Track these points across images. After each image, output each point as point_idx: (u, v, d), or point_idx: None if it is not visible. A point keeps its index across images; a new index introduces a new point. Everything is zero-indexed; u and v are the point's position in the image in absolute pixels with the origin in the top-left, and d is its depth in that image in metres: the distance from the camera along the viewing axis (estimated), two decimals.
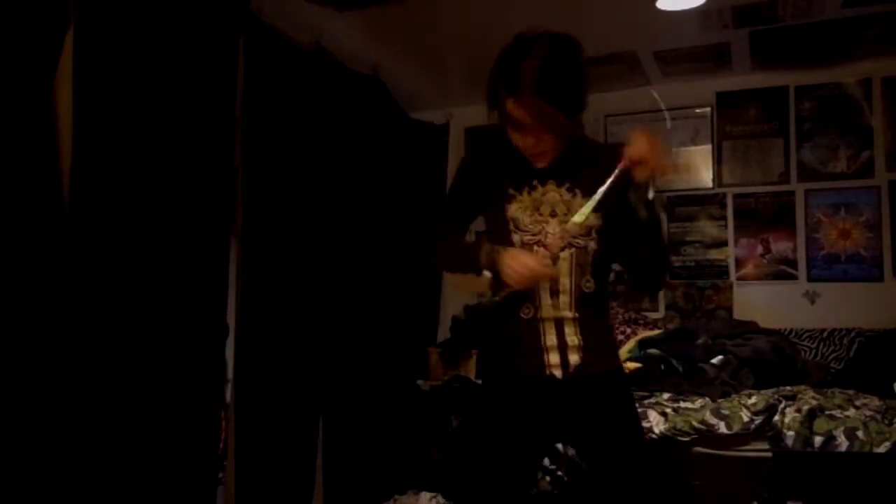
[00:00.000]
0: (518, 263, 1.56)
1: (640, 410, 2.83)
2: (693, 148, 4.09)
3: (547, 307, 1.65)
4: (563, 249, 1.62)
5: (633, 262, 1.75)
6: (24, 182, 1.62)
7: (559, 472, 2.83)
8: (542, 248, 1.63)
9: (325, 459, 2.81)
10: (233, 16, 2.28)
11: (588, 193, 1.59)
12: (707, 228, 4.06)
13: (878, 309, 3.62)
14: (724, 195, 4.03)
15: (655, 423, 2.75)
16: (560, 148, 1.63)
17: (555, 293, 1.65)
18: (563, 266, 1.63)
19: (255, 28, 2.40)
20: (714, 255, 4.04)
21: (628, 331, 3.82)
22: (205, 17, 2.15)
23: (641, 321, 3.93)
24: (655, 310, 4.11)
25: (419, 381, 3.65)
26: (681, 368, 3.19)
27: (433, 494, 3.06)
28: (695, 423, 2.70)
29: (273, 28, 2.52)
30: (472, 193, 1.76)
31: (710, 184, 4.06)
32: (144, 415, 1.92)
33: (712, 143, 4.05)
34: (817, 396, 2.79)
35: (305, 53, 2.73)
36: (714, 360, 3.20)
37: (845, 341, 3.57)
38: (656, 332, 3.71)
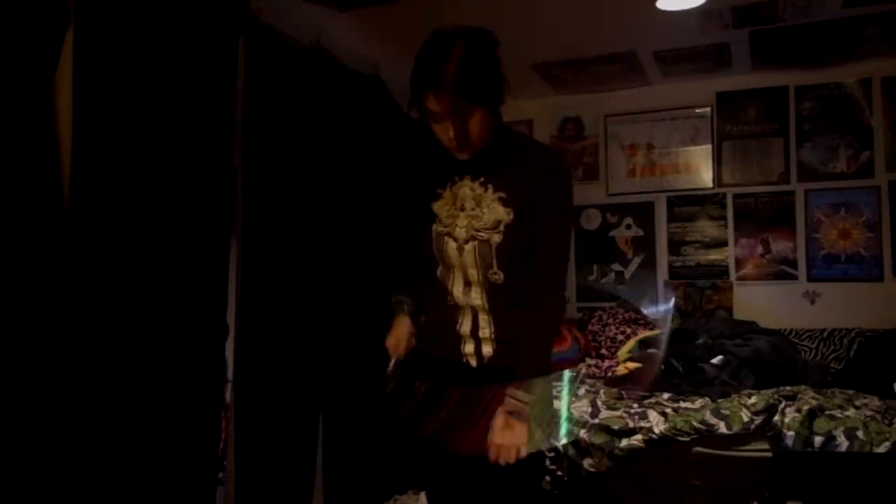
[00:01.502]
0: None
1: (640, 410, 2.83)
2: (693, 148, 4.09)
3: (459, 296, 1.70)
4: (467, 242, 1.66)
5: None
6: (24, 182, 1.62)
7: (559, 472, 2.83)
8: (450, 240, 1.69)
9: (325, 459, 2.81)
10: (233, 16, 2.28)
11: (499, 189, 1.64)
12: (707, 228, 4.06)
13: (878, 309, 3.63)
14: (724, 195, 4.03)
15: (655, 423, 2.75)
16: (482, 142, 1.65)
17: (467, 283, 1.69)
18: (468, 258, 1.66)
19: (255, 28, 2.40)
20: (714, 255, 4.04)
21: (628, 331, 3.82)
22: (205, 17, 2.15)
23: (641, 321, 3.94)
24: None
25: (418, 382, 3.64)
26: (681, 368, 3.19)
27: None
28: (695, 423, 2.70)
29: (273, 28, 2.52)
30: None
31: (710, 184, 4.06)
32: (144, 415, 1.91)
33: (712, 143, 4.05)
34: (817, 396, 2.80)
35: (305, 53, 2.73)
36: (714, 360, 3.20)
37: (845, 341, 3.57)
38: (656, 332, 3.71)
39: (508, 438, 1.57)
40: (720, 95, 4.04)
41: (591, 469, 2.82)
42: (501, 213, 1.63)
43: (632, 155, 4.23)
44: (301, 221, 2.67)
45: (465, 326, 1.70)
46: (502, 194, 1.64)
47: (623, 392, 3.08)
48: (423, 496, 3.05)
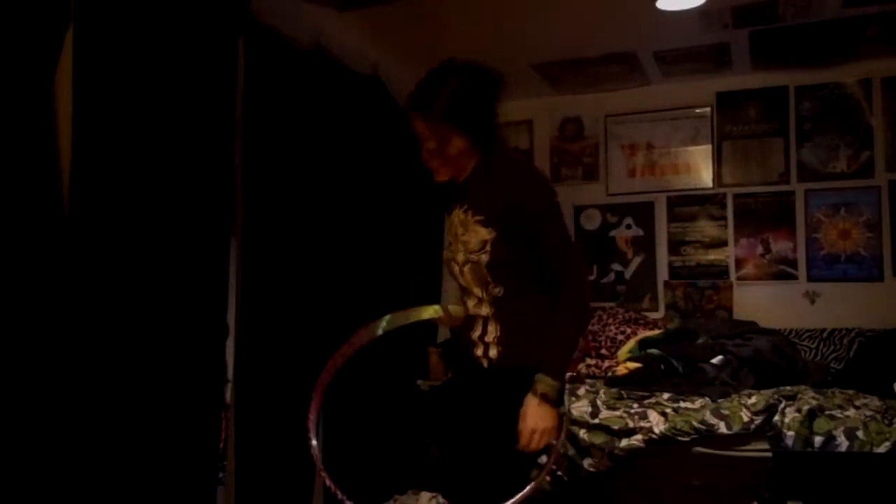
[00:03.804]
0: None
1: (640, 410, 2.83)
2: (693, 148, 4.09)
3: (472, 308, 1.82)
4: (465, 265, 1.79)
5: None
6: (23, 182, 1.62)
7: (559, 472, 2.83)
8: (454, 264, 1.83)
9: (325, 459, 2.81)
10: (233, 16, 2.28)
11: (477, 213, 1.76)
12: (707, 228, 4.06)
13: (878, 309, 3.62)
14: (724, 195, 4.03)
15: (655, 423, 2.75)
16: (460, 170, 1.80)
17: (476, 298, 1.81)
18: (468, 278, 1.80)
19: (254, 28, 2.40)
20: (714, 255, 4.04)
21: (628, 331, 3.82)
22: (205, 17, 2.15)
23: (641, 321, 3.93)
24: (655, 310, 4.12)
25: (419, 381, 3.65)
26: (681, 368, 3.19)
27: (433, 494, 3.07)
28: (695, 423, 2.69)
29: (273, 28, 2.52)
30: None
31: (710, 184, 4.06)
32: (145, 415, 1.92)
33: (712, 143, 4.05)
34: (817, 396, 2.79)
35: (305, 53, 2.73)
36: (714, 360, 3.20)
37: (845, 341, 3.57)
38: (656, 332, 3.71)
39: (541, 421, 1.67)
40: (720, 95, 4.03)
41: (591, 469, 2.82)
42: (484, 233, 1.75)
43: (632, 155, 4.23)
44: (301, 221, 2.67)
45: (476, 332, 1.82)
46: (480, 217, 1.75)
47: (623, 392, 3.08)
48: (423, 496, 3.05)
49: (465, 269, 1.79)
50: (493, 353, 1.79)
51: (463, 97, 1.71)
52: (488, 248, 1.75)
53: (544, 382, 1.68)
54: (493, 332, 1.79)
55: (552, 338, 1.71)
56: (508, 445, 1.71)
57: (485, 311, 1.79)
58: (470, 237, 1.77)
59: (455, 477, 1.95)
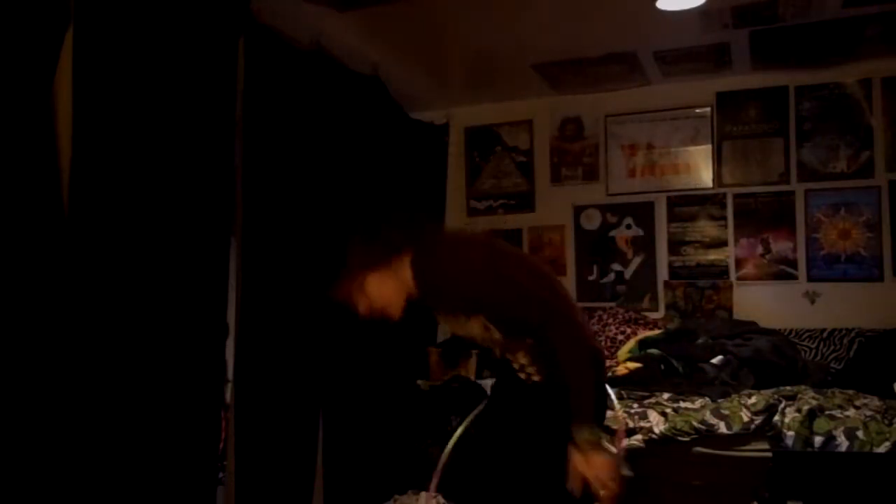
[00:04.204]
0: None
1: (640, 410, 2.83)
2: (693, 148, 4.09)
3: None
4: (489, 348, 1.93)
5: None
6: (23, 182, 1.62)
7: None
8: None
9: (325, 459, 2.81)
10: (233, 16, 2.28)
11: (451, 313, 1.91)
12: (707, 228, 4.06)
13: (878, 309, 3.62)
14: (724, 195, 4.03)
15: (655, 423, 2.75)
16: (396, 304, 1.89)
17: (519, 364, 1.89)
18: (500, 352, 1.91)
19: (254, 28, 2.40)
20: (714, 255, 4.04)
21: (628, 331, 3.82)
22: (205, 17, 2.15)
23: (641, 321, 3.94)
24: (655, 310, 4.12)
25: (419, 381, 3.65)
26: (681, 368, 3.20)
27: (433, 494, 3.06)
28: (695, 423, 2.70)
29: (273, 28, 2.51)
30: None
31: (710, 184, 4.06)
32: (145, 415, 1.92)
33: (712, 143, 4.05)
34: (817, 396, 2.79)
35: (305, 53, 2.73)
36: (714, 360, 3.20)
37: (845, 341, 3.57)
38: (656, 332, 3.71)
39: (590, 470, 1.64)
40: (720, 95, 4.03)
41: None
42: (476, 322, 1.82)
43: (632, 155, 4.23)
44: (301, 221, 2.66)
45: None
46: (459, 315, 1.86)
47: (623, 392, 3.08)
48: (423, 496, 3.05)
49: (496, 350, 1.90)
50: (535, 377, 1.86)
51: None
52: (491, 327, 1.82)
53: (579, 432, 1.65)
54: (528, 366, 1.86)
55: (570, 386, 1.69)
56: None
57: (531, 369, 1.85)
58: (470, 330, 1.86)
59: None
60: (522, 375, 1.87)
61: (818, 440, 2.56)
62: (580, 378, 1.69)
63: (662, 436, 2.71)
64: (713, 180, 4.05)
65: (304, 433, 2.72)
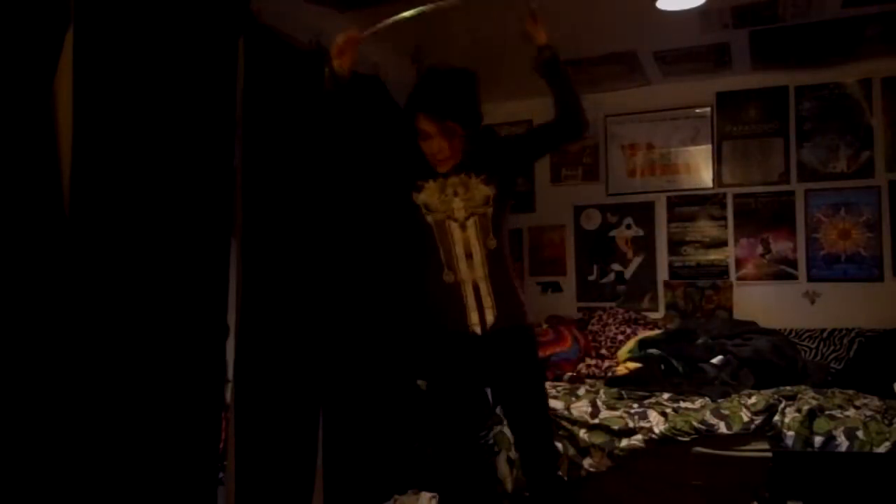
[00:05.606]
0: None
1: (640, 410, 2.83)
2: (693, 148, 4.09)
3: (463, 270, 2.05)
4: (467, 219, 2.04)
5: (555, 103, 2.13)
6: (23, 183, 1.62)
7: (559, 472, 2.83)
8: (451, 221, 2.06)
9: (325, 459, 2.81)
10: (233, 16, 2.28)
11: (480, 173, 2.06)
12: (707, 228, 4.06)
13: (878, 309, 3.62)
14: (724, 195, 4.03)
15: (655, 423, 2.75)
16: (460, 156, 2.07)
17: (468, 256, 2.05)
18: (471, 231, 2.04)
19: (254, 28, 2.40)
20: (714, 255, 4.04)
21: (628, 331, 3.82)
22: (205, 17, 2.15)
23: (641, 321, 3.94)
24: (655, 310, 4.12)
25: (419, 381, 3.65)
26: (681, 368, 3.20)
27: (433, 494, 3.06)
28: (695, 423, 2.70)
29: (273, 28, 2.51)
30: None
31: (710, 184, 4.06)
32: (145, 415, 1.92)
33: (712, 143, 4.05)
34: (817, 396, 2.80)
35: (305, 53, 2.73)
36: (714, 360, 3.20)
37: (845, 341, 3.57)
38: (656, 332, 3.71)
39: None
40: (720, 95, 4.03)
41: (591, 469, 2.82)
42: (486, 190, 2.05)
43: (632, 155, 4.23)
44: (301, 221, 2.66)
45: (470, 300, 2.05)
46: (482, 176, 2.05)
47: (623, 392, 3.08)
48: (423, 496, 3.05)
49: (469, 222, 2.04)
50: (489, 317, 2.04)
51: (464, 99, 2.05)
52: (491, 202, 2.04)
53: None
54: (487, 296, 2.04)
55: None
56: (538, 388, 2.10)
57: (477, 269, 2.04)
58: (473, 194, 2.04)
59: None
60: (474, 319, 2.06)
61: (818, 440, 2.57)
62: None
63: (662, 436, 2.71)
64: (713, 180, 4.06)
65: (304, 433, 2.72)
